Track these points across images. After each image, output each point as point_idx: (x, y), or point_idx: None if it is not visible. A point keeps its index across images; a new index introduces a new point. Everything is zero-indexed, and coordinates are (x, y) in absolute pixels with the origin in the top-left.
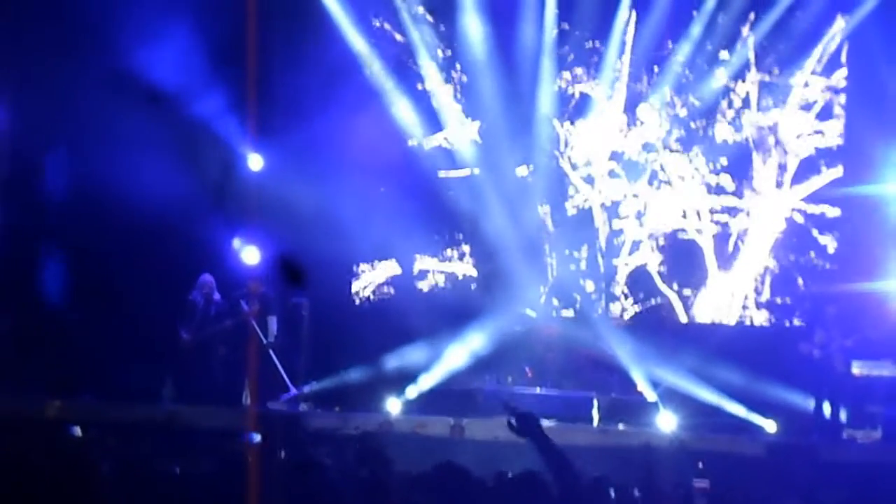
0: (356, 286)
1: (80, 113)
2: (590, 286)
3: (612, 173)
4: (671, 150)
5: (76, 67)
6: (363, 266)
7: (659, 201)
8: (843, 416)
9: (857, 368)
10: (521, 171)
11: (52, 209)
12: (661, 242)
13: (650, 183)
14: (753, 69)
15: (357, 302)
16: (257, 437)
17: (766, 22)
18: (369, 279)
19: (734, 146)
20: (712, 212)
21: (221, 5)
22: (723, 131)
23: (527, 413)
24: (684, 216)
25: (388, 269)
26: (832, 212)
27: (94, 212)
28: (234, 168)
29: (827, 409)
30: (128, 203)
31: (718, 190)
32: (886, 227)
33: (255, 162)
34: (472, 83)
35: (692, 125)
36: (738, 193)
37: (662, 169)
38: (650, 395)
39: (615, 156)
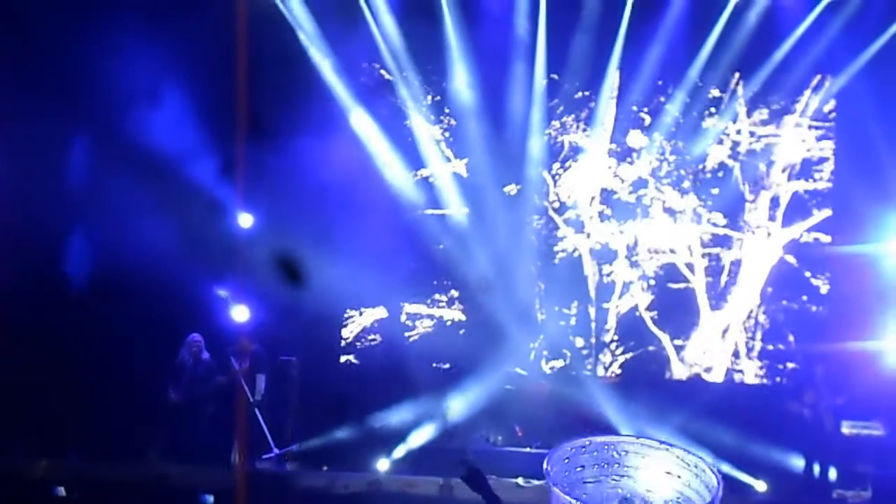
0: (345, 332)
1: (70, 172)
2: (580, 342)
3: (601, 215)
4: (661, 185)
5: (67, 128)
6: (351, 312)
7: (649, 237)
8: (832, 475)
9: (846, 428)
10: (511, 221)
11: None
12: (653, 283)
13: (641, 219)
14: (743, 116)
15: (344, 358)
16: (210, 499)
17: (755, 79)
18: (357, 325)
19: (725, 181)
20: (703, 245)
21: (212, 68)
22: (714, 167)
23: (476, 469)
24: (675, 252)
25: (375, 314)
26: (825, 240)
27: (80, 270)
28: (224, 226)
29: (817, 468)
30: (115, 262)
31: (710, 223)
32: (876, 286)
33: (244, 220)
34: (461, 131)
35: (683, 161)
36: (730, 226)
37: (652, 204)
38: None
39: (605, 196)
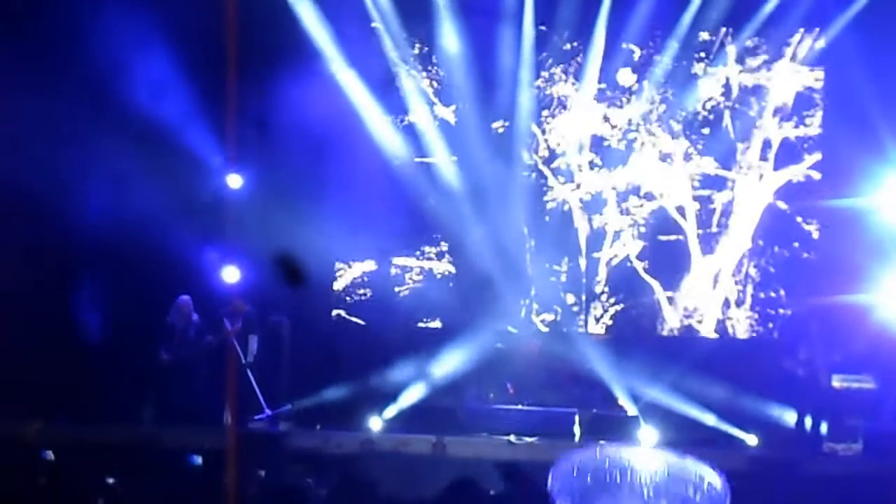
0: (336, 286)
1: (57, 136)
2: (570, 299)
3: (591, 164)
4: (652, 128)
5: (57, 88)
6: (340, 265)
7: (640, 183)
8: (823, 429)
9: (837, 382)
10: (500, 177)
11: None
12: (643, 230)
13: (631, 165)
14: (733, 62)
15: (335, 312)
16: (198, 460)
17: (744, 31)
18: (347, 277)
19: (716, 125)
20: (695, 187)
21: (201, 27)
22: (705, 111)
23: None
24: (666, 196)
25: (364, 267)
26: (816, 177)
27: (69, 229)
28: (213, 188)
29: (809, 422)
30: (105, 225)
31: (702, 164)
32: (865, 239)
33: (234, 181)
34: (448, 84)
35: (673, 105)
36: (722, 167)
37: (643, 148)
38: (631, 410)
39: (595, 143)
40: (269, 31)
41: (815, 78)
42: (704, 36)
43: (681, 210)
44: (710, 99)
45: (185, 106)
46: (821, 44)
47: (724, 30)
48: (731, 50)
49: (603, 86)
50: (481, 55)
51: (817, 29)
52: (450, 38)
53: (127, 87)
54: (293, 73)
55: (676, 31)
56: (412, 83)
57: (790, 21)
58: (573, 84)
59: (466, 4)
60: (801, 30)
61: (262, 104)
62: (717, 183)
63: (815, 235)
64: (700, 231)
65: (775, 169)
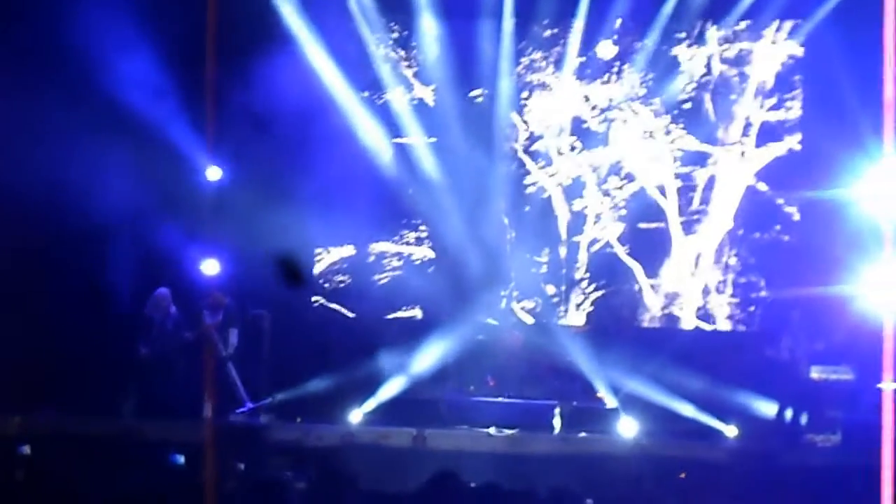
0: (316, 269)
1: (39, 123)
2: (551, 290)
3: (571, 147)
4: (633, 106)
5: (34, 74)
6: (319, 250)
7: (621, 162)
8: (803, 420)
9: (815, 373)
10: (480, 167)
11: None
12: (624, 212)
13: (612, 145)
14: (714, 46)
15: (315, 298)
16: (181, 459)
17: (725, 20)
18: (325, 262)
19: (698, 102)
20: (676, 164)
21: (180, 17)
22: (686, 90)
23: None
24: (647, 176)
25: (342, 252)
26: (796, 149)
27: (46, 224)
28: (193, 179)
29: (789, 413)
30: (84, 217)
31: (683, 140)
32: (845, 230)
33: (213, 173)
34: (426, 68)
35: (653, 86)
36: (704, 142)
37: (624, 128)
38: (611, 402)
39: (575, 125)
40: (245, 19)
41: (791, 53)
42: (683, 30)
43: (661, 189)
44: (690, 81)
45: (163, 97)
46: (800, 36)
47: (701, 23)
48: (712, 34)
49: (583, 59)
50: (461, 45)
51: (793, 21)
52: (429, 28)
53: (104, 76)
54: (268, 61)
55: (656, 22)
56: (389, 67)
57: (770, 12)
58: (553, 72)
59: None
60: (778, 21)
61: (240, 92)
62: (698, 159)
63: (797, 217)
64: (681, 210)
65: (757, 146)
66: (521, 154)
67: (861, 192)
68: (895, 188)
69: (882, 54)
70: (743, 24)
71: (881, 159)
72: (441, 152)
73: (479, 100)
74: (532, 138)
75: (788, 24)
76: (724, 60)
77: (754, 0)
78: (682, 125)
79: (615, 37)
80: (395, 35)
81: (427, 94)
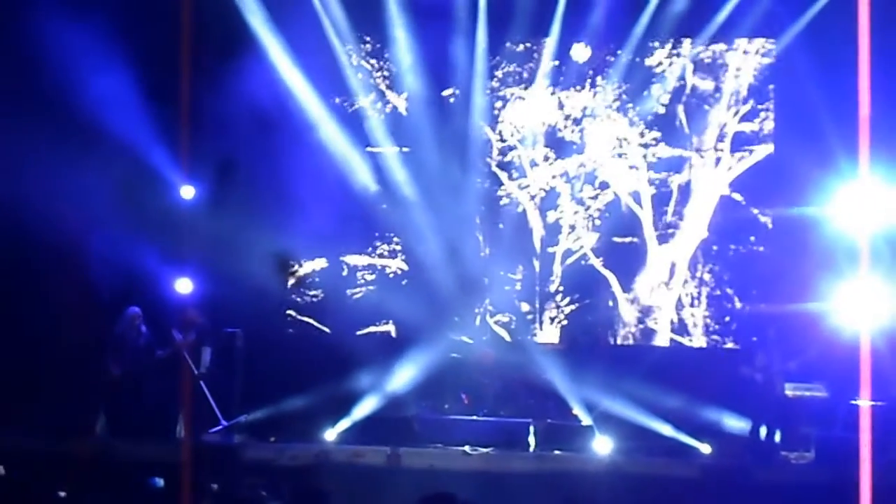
0: (290, 283)
1: (9, 140)
2: (525, 307)
3: (545, 158)
4: (608, 114)
5: (5, 90)
6: (292, 262)
7: (595, 171)
8: (777, 437)
9: (790, 390)
10: (453, 183)
11: None
12: (598, 223)
13: (585, 154)
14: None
15: (289, 311)
16: (161, 482)
17: (698, 39)
18: (299, 274)
19: (671, 110)
20: (651, 170)
21: (151, 33)
22: (659, 97)
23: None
24: (621, 184)
25: (315, 265)
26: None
27: (17, 242)
28: (166, 198)
29: (763, 431)
30: (56, 235)
31: (657, 147)
32: (817, 248)
33: (187, 192)
34: (398, 77)
35: (627, 95)
36: (678, 146)
37: (597, 136)
38: (586, 420)
39: (549, 135)
40: (216, 34)
41: (764, 64)
42: (656, 44)
43: (636, 197)
44: (664, 92)
45: (139, 113)
46: (772, 54)
47: (674, 39)
48: (686, 48)
49: (556, 63)
50: (433, 59)
51: (766, 39)
52: (401, 42)
53: (79, 94)
54: (240, 74)
55: (629, 39)
56: (361, 78)
57: (742, 30)
58: (526, 86)
59: (419, 9)
60: (751, 38)
61: (212, 104)
62: (673, 164)
63: (771, 227)
64: (655, 220)
65: (731, 153)
66: (494, 168)
67: (834, 209)
68: (869, 206)
69: (854, 72)
70: (716, 44)
71: (854, 177)
72: (414, 164)
73: (452, 100)
74: (506, 150)
75: (761, 41)
76: (697, 70)
77: (727, 18)
78: (655, 134)
79: (588, 43)
80: (368, 46)
81: (400, 104)
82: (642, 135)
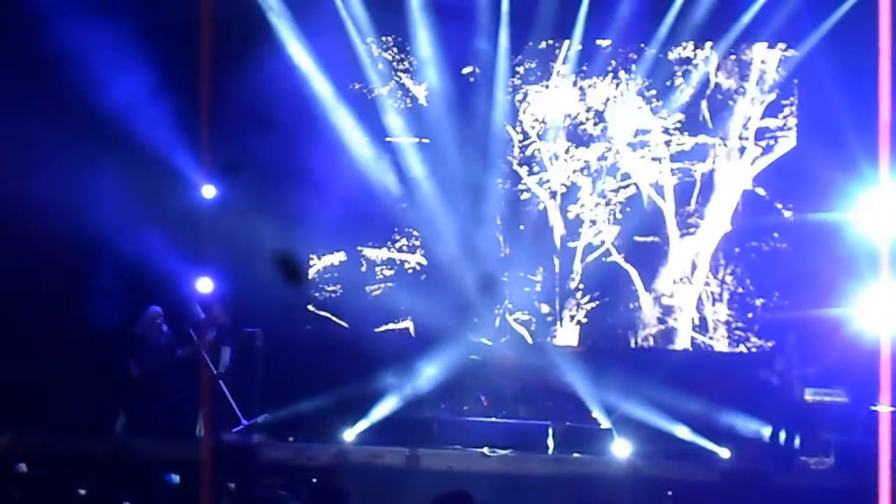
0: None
1: (29, 138)
2: (545, 308)
3: (567, 151)
4: (629, 106)
5: (24, 88)
6: (311, 256)
7: (617, 162)
8: (796, 442)
9: (809, 395)
10: (475, 184)
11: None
12: (619, 216)
13: (607, 145)
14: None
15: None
16: (176, 478)
17: (720, 43)
18: (318, 267)
19: (695, 104)
20: (673, 159)
21: (175, 36)
22: (684, 91)
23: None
24: (644, 176)
25: (334, 259)
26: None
27: (41, 243)
28: (188, 198)
29: (783, 436)
30: (77, 234)
31: (680, 136)
32: (836, 254)
33: (208, 191)
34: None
35: (651, 86)
36: (703, 134)
37: (620, 129)
38: (605, 423)
39: (570, 130)
40: (237, 30)
41: (785, 56)
42: (679, 47)
43: (659, 189)
44: (687, 86)
45: (156, 113)
46: (792, 62)
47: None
48: (708, 52)
49: (579, 47)
50: (454, 57)
51: (785, 45)
52: (423, 41)
53: (99, 92)
54: (261, 69)
55: (652, 42)
56: (381, 66)
57: (764, 35)
58: (547, 80)
59: (441, 9)
60: (771, 44)
61: (234, 100)
62: (697, 153)
63: (793, 221)
64: (678, 210)
65: (754, 148)
66: (515, 166)
67: (856, 214)
68: (890, 211)
69: (876, 77)
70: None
71: (877, 182)
72: (434, 159)
73: (472, 97)
74: (526, 146)
75: (783, 47)
76: (721, 69)
77: (750, 22)
78: (678, 118)
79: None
80: (389, 40)
81: (420, 96)
82: (665, 123)
